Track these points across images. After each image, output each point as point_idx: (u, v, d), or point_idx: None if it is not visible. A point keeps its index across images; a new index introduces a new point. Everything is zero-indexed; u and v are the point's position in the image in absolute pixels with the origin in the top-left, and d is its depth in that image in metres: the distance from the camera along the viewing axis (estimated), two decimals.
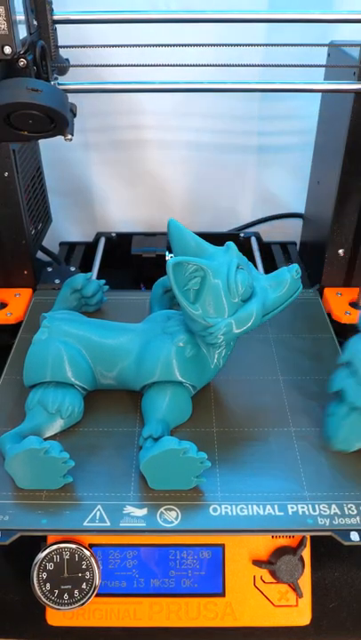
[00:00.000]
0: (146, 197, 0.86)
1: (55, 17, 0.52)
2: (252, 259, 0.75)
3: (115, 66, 0.56)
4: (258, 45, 0.58)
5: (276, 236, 0.82)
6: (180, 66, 0.54)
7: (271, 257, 0.77)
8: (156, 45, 0.54)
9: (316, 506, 0.41)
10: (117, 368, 0.49)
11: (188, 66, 0.54)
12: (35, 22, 0.50)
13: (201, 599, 0.43)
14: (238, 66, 0.55)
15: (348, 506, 0.42)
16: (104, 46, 0.55)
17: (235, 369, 0.53)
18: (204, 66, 0.55)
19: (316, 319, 0.61)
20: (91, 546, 0.42)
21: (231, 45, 0.54)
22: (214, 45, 0.55)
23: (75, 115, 0.53)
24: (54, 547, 0.41)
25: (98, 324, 0.51)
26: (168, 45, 0.54)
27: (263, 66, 0.59)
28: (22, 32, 0.47)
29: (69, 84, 0.55)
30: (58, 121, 0.48)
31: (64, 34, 0.54)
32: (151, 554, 0.43)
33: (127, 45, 0.54)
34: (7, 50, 0.45)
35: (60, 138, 0.51)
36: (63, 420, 0.47)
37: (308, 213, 0.76)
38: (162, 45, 0.54)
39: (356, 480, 0.43)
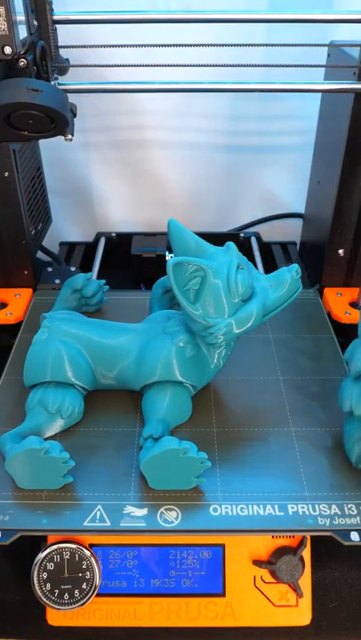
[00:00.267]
0: (146, 197, 0.86)
1: (55, 17, 0.52)
2: (252, 259, 0.75)
3: (115, 66, 0.56)
4: (258, 45, 0.58)
5: (276, 236, 0.82)
6: (180, 66, 0.54)
7: (271, 257, 0.77)
8: (157, 45, 0.54)
9: (316, 506, 0.41)
10: (117, 368, 0.49)
11: (188, 66, 0.54)
12: (35, 22, 0.50)
13: (201, 599, 0.43)
14: (238, 66, 0.55)
15: (349, 506, 0.42)
16: (104, 46, 0.55)
17: (235, 369, 0.53)
18: (204, 66, 0.55)
19: (316, 319, 0.61)
20: (91, 546, 0.42)
21: (231, 45, 0.54)
22: (214, 45, 0.55)
23: (75, 115, 0.53)
24: (54, 547, 0.41)
25: (98, 323, 0.51)
26: (168, 45, 0.54)
27: (263, 66, 0.59)
28: (22, 32, 0.47)
29: (69, 83, 0.55)
30: (58, 121, 0.48)
31: (64, 34, 0.54)
32: (151, 554, 0.43)
33: (127, 45, 0.54)
34: (7, 50, 0.45)
35: (60, 138, 0.51)
36: (63, 420, 0.47)
37: (308, 213, 0.76)
38: (162, 45, 0.54)
39: (357, 480, 0.43)
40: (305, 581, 0.43)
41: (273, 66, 0.56)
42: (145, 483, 0.43)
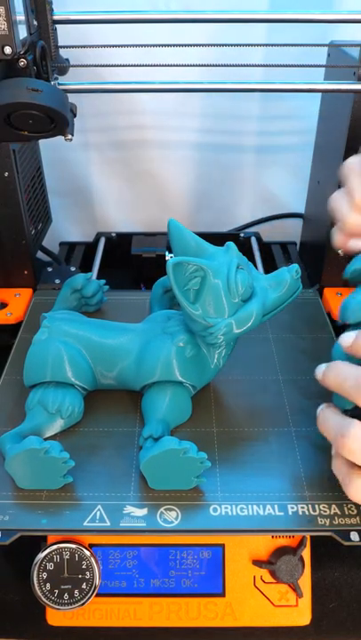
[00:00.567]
0: (146, 197, 0.86)
1: (55, 17, 0.52)
2: (252, 259, 0.75)
3: (115, 66, 0.56)
4: (258, 45, 0.58)
5: (276, 236, 0.82)
6: (180, 66, 0.54)
7: (271, 257, 0.77)
8: (156, 45, 0.54)
9: (316, 506, 0.41)
10: (117, 368, 0.49)
11: (188, 66, 0.54)
12: (35, 22, 0.50)
13: (201, 599, 0.43)
14: (238, 66, 0.55)
15: (348, 506, 0.42)
16: (104, 46, 0.55)
17: (235, 369, 0.53)
18: (204, 66, 0.55)
19: (316, 319, 0.61)
20: (91, 546, 0.42)
21: (231, 45, 0.54)
22: (214, 45, 0.55)
23: (75, 115, 0.53)
24: (54, 547, 0.41)
25: (98, 323, 0.51)
26: (168, 45, 0.54)
27: (263, 66, 0.59)
28: (22, 32, 0.47)
29: (69, 83, 0.55)
30: (58, 121, 0.48)
31: (64, 34, 0.55)
32: (151, 554, 0.43)
33: (127, 45, 0.54)
34: (7, 50, 0.45)
35: (60, 138, 0.51)
36: (63, 420, 0.47)
37: (308, 213, 0.76)
38: (162, 45, 0.54)
39: None
40: (305, 581, 0.43)
41: (273, 66, 0.56)
42: (145, 483, 0.43)
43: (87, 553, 0.41)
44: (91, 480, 0.43)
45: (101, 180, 0.85)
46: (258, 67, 0.58)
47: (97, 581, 0.41)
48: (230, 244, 0.46)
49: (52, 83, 0.53)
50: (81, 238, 0.86)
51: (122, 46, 0.54)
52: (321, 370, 0.41)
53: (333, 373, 0.40)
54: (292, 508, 0.41)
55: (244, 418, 0.49)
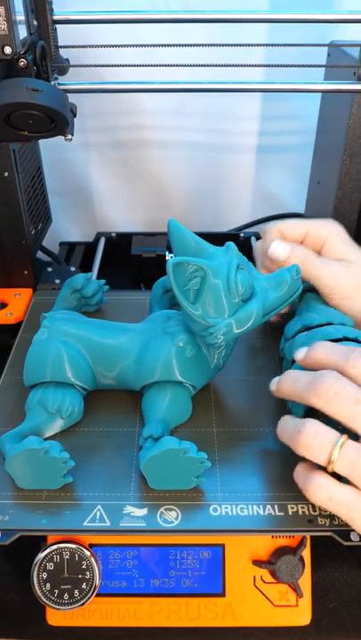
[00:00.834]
0: (146, 197, 0.86)
1: (55, 17, 0.52)
2: (252, 259, 0.75)
3: (115, 66, 0.56)
4: (258, 45, 0.58)
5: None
6: (180, 66, 0.54)
7: None
8: (156, 45, 0.54)
9: (316, 506, 0.41)
10: (117, 368, 0.49)
11: (188, 66, 0.54)
12: (35, 22, 0.50)
13: (201, 599, 0.43)
14: (238, 66, 0.55)
15: None
16: (104, 46, 0.55)
17: (235, 369, 0.53)
18: (205, 66, 0.55)
19: None
20: (91, 546, 0.42)
21: (231, 45, 0.54)
22: (214, 45, 0.55)
23: (75, 115, 0.53)
24: (54, 547, 0.41)
25: (98, 324, 0.51)
26: (168, 45, 0.54)
27: (263, 66, 0.59)
28: (22, 32, 0.47)
29: (69, 83, 0.55)
30: (58, 121, 0.48)
31: (64, 34, 0.55)
32: (151, 554, 0.43)
33: (127, 45, 0.54)
34: (7, 50, 0.45)
35: (60, 138, 0.51)
36: (63, 420, 0.47)
37: (308, 213, 0.76)
38: (162, 45, 0.54)
39: None
40: (305, 581, 0.43)
41: (273, 66, 0.56)
42: (145, 483, 0.43)
43: (87, 553, 0.41)
44: (91, 480, 0.43)
45: (101, 180, 0.85)
46: (258, 67, 0.58)
47: (97, 581, 0.41)
48: (230, 244, 0.46)
49: (52, 83, 0.53)
50: (81, 238, 0.86)
51: (122, 46, 0.54)
52: (275, 381, 0.43)
53: (286, 380, 0.41)
54: (293, 507, 0.41)
55: (244, 418, 0.49)
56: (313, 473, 0.37)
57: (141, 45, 0.54)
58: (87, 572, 0.41)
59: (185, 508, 0.41)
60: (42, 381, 0.47)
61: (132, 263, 0.74)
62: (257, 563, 0.42)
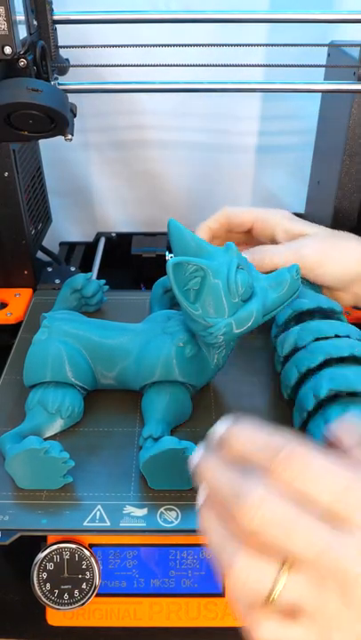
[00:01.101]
0: (146, 197, 0.86)
1: (55, 17, 0.52)
2: None
3: (115, 66, 0.56)
4: (258, 45, 0.58)
5: None
6: (180, 66, 0.54)
7: None
8: (157, 45, 0.54)
9: None
10: (117, 368, 0.49)
11: (188, 66, 0.54)
12: (35, 22, 0.50)
13: (201, 599, 0.43)
14: (238, 66, 0.55)
15: None
16: (104, 46, 0.55)
17: (235, 369, 0.53)
18: (205, 66, 0.55)
19: None
20: (91, 546, 0.42)
21: (231, 45, 0.55)
22: (214, 45, 0.55)
23: (75, 115, 0.53)
24: (54, 547, 0.41)
25: (98, 324, 0.51)
26: (168, 45, 0.54)
27: (263, 66, 0.59)
28: (22, 32, 0.47)
29: (69, 83, 0.55)
30: (58, 121, 0.48)
31: (64, 34, 0.55)
32: (151, 554, 0.43)
33: (127, 45, 0.54)
34: (7, 50, 0.45)
35: (60, 138, 0.51)
36: (63, 420, 0.47)
37: (308, 213, 0.76)
38: (162, 45, 0.54)
39: None
40: None
41: (273, 66, 0.56)
42: (145, 483, 0.43)
43: (87, 553, 0.41)
44: (91, 480, 0.43)
45: (101, 180, 0.85)
46: (258, 67, 0.58)
47: (97, 581, 0.41)
48: (230, 244, 0.46)
49: (52, 83, 0.53)
50: (81, 238, 0.86)
51: (122, 46, 0.54)
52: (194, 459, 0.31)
53: (205, 472, 0.30)
54: None
55: (244, 418, 0.49)
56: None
57: (141, 45, 0.54)
58: (87, 572, 0.41)
59: (185, 508, 0.41)
60: (42, 381, 0.47)
61: (132, 263, 0.74)
62: None
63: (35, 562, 0.41)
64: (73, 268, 0.72)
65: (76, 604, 0.41)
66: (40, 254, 0.73)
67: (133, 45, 0.54)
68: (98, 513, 0.41)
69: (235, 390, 0.52)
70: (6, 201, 0.61)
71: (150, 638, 0.44)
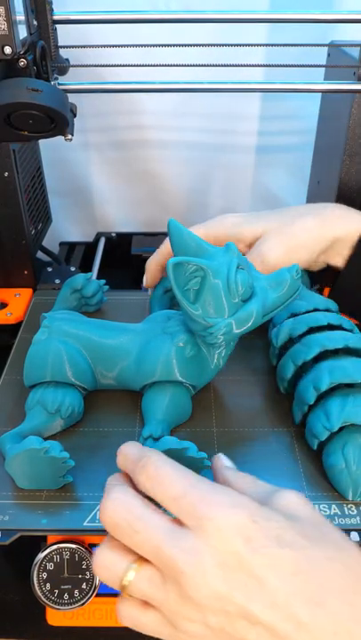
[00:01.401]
0: (146, 197, 0.86)
1: (55, 17, 0.52)
2: None
3: (115, 66, 0.56)
4: (258, 45, 0.58)
5: None
6: (180, 66, 0.54)
7: None
8: (157, 45, 0.54)
9: (316, 506, 0.41)
10: (117, 368, 0.49)
11: (188, 66, 0.54)
12: (35, 22, 0.50)
13: None
14: (238, 66, 0.55)
15: (348, 506, 0.42)
16: (104, 46, 0.55)
17: (235, 369, 0.53)
18: (205, 66, 0.55)
19: None
20: (91, 546, 0.42)
21: (231, 45, 0.55)
22: (214, 45, 0.55)
23: (75, 115, 0.53)
24: (54, 547, 0.41)
25: (98, 324, 0.51)
26: (168, 45, 0.54)
27: (263, 66, 0.59)
28: (22, 32, 0.47)
29: (69, 83, 0.55)
30: (58, 121, 0.48)
31: (64, 34, 0.55)
32: None
33: (127, 45, 0.54)
34: (7, 50, 0.45)
35: (60, 138, 0.51)
36: (63, 420, 0.47)
37: None
38: (162, 45, 0.54)
39: None
40: None
41: (273, 66, 0.56)
42: None
43: (87, 553, 0.41)
44: (91, 480, 0.43)
45: (101, 180, 0.85)
46: (258, 67, 0.58)
47: (97, 581, 0.41)
48: (230, 244, 0.46)
49: (52, 83, 0.53)
50: (81, 238, 0.86)
51: (122, 46, 0.54)
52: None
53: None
54: None
55: (244, 418, 0.49)
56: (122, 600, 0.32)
57: (141, 45, 0.54)
58: (87, 572, 0.41)
59: None
60: (42, 381, 0.47)
61: (132, 263, 0.74)
62: None
63: (35, 562, 0.41)
64: (73, 268, 0.72)
65: (76, 604, 0.41)
66: (40, 254, 0.73)
67: (133, 45, 0.54)
68: (98, 513, 0.41)
69: (235, 390, 0.52)
70: (6, 201, 0.61)
71: (150, 638, 0.43)
